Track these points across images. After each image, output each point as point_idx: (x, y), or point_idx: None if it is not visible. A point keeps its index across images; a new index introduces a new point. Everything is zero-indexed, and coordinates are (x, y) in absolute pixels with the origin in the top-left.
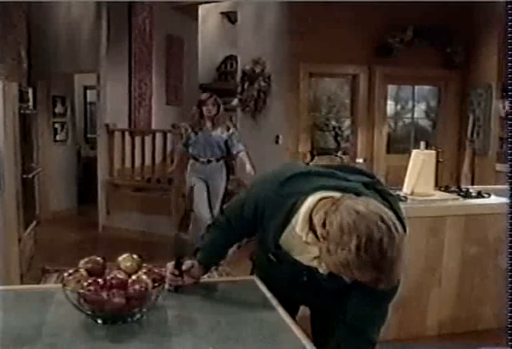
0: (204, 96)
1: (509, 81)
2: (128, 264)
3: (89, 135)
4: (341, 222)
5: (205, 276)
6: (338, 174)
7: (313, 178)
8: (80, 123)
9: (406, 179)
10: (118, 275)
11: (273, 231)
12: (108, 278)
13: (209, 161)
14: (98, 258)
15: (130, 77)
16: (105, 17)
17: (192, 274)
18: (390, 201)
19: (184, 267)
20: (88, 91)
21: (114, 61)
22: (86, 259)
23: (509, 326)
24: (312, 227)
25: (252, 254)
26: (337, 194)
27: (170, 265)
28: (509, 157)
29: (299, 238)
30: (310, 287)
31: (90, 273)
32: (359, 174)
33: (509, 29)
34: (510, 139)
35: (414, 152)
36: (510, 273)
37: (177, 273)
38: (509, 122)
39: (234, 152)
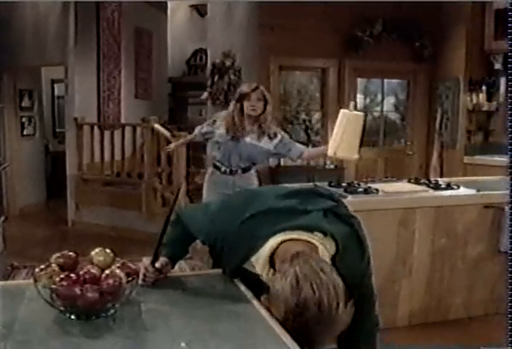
0: (247, 87)
1: (509, 77)
2: (101, 258)
3: (57, 129)
4: (291, 279)
5: (176, 269)
6: (297, 207)
7: (272, 218)
8: (48, 117)
9: (330, 141)
10: (92, 270)
11: (232, 265)
12: (80, 273)
13: (231, 172)
14: (70, 253)
15: (98, 70)
16: (73, 9)
17: (163, 270)
18: (353, 223)
19: (158, 265)
20: (56, 85)
21: (82, 54)
22: (58, 254)
23: (509, 325)
24: (274, 267)
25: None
26: (294, 235)
27: (147, 260)
28: (509, 149)
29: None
30: None
31: (62, 268)
32: (320, 198)
33: (509, 30)
34: (509, 132)
35: (341, 112)
36: (510, 269)
37: (152, 269)
38: (509, 116)
39: (294, 157)
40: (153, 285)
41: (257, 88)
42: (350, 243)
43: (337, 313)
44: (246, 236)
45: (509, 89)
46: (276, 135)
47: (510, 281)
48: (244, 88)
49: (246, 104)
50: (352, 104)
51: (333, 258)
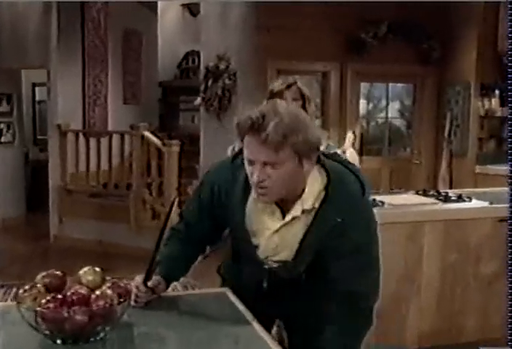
0: (280, 84)
1: (509, 82)
2: (90, 278)
3: (38, 136)
4: None
5: (169, 289)
6: None
7: None
8: (28, 124)
9: None
10: (80, 291)
11: (237, 208)
12: (68, 293)
13: None
14: (57, 272)
15: (84, 73)
16: (55, 7)
17: (156, 290)
18: (351, 169)
19: (150, 284)
20: (37, 89)
21: (66, 56)
22: (44, 274)
23: (509, 325)
24: None
25: (220, 268)
26: None
27: (139, 278)
28: (509, 158)
29: (262, 208)
30: (274, 296)
31: (48, 288)
32: None
33: (510, 29)
34: (510, 140)
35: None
36: (510, 273)
37: (144, 289)
38: (509, 122)
39: None
40: (145, 306)
41: (292, 84)
42: (344, 175)
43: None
44: (239, 167)
45: (509, 93)
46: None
47: (509, 283)
48: (276, 85)
49: None
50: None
51: (326, 187)
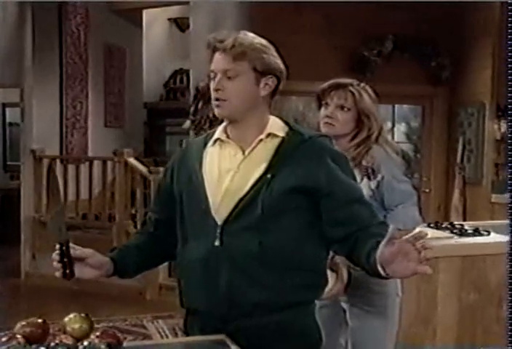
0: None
1: (509, 99)
2: (76, 326)
3: (8, 162)
4: None
5: (157, 336)
6: None
7: None
8: None
9: None
10: (65, 341)
11: (193, 160)
12: (52, 344)
13: None
14: (39, 320)
15: (61, 93)
16: (30, 20)
17: (88, 262)
18: None
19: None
20: (8, 110)
21: (41, 74)
22: (23, 323)
23: (509, 325)
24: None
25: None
26: None
27: (55, 254)
28: (509, 187)
29: (223, 150)
30: (230, 270)
31: (29, 339)
32: None
33: (509, 35)
34: (510, 165)
35: None
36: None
37: (56, 258)
38: (509, 145)
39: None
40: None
41: (340, 86)
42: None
43: None
44: (191, 142)
45: (509, 111)
46: (374, 173)
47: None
48: (325, 84)
49: (322, 112)
50: None
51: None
